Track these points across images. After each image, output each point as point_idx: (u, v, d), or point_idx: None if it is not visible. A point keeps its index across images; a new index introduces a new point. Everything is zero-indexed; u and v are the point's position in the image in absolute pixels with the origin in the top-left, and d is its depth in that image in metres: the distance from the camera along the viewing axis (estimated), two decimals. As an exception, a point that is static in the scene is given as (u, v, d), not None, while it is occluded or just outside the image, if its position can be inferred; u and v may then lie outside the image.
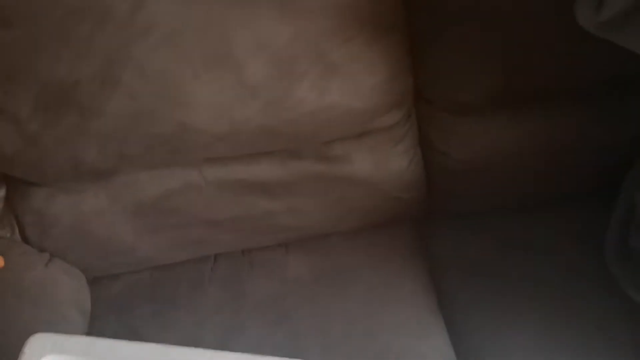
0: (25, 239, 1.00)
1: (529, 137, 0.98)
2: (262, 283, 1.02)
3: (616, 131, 0.99)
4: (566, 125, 0.98)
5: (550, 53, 0.89)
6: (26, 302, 0.95)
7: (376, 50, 0.86)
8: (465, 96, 0.94)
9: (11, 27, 0.78)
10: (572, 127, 0.98)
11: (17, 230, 0.99)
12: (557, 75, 0.92)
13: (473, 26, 0.87)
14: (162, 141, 0.87)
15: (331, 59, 0.84)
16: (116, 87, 0.81)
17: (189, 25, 0.79)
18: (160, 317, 0.99)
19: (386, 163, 1.01)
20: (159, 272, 1.07)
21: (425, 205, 1.09)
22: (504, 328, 0.96)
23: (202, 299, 1.02)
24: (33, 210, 0.97)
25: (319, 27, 0.82)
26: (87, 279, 1.05)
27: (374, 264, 1.06)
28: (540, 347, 0.92)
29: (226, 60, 0.82)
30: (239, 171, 0.98)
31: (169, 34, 0.79)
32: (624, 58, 0.74)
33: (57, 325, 0.93)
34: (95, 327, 1.00)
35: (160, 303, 1.02)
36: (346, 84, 0.87)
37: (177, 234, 1.02)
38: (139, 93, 0.82)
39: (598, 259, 0.95)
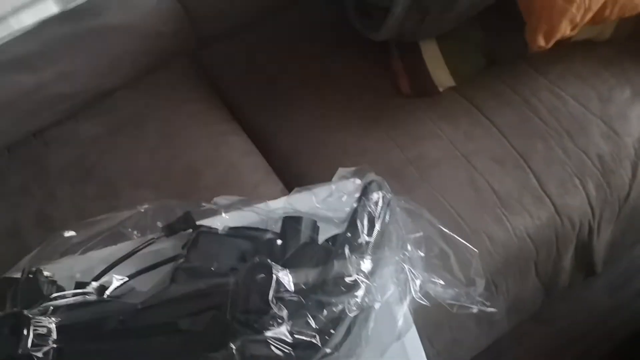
0: None
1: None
2: (60, 153, 1.05)
3: None
4: None
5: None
6: None
7: None
8: None
9: None
10: None
11: None
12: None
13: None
14: None
15: None
16: None
17: None
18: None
19: (132, 2, 1.04)
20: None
21: (191, 35, 1.14)
22: (289, 115, 1.07)
23: (6, 187, 1.03)
24: None
25: None
26: None
27: (164, 102, 1.11)
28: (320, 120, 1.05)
29: None
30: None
31: None
32: None
33: None
34: None
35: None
36: None
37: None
38: None
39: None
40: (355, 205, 0.60)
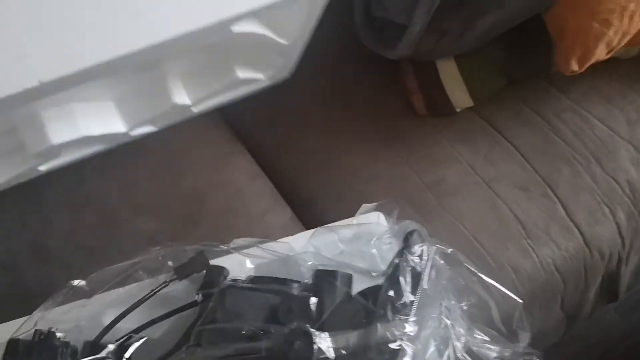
0: None
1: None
2: (57, 177, 0.98)
3: None
4: None
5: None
6: None
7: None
8: None
9: None
10: None
11: None
12: None
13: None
14: None
15: None
16: None
17: None
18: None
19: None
20: None
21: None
22: (295, 135, 1.02)
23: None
24: None
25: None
26: None
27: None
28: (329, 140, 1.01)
29: None
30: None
31: None
32: None
33: None
34: None
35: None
36: None
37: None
38: None
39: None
40: (396, 260, 0.55)
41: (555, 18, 0.86)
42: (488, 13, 0.83)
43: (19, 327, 0.60)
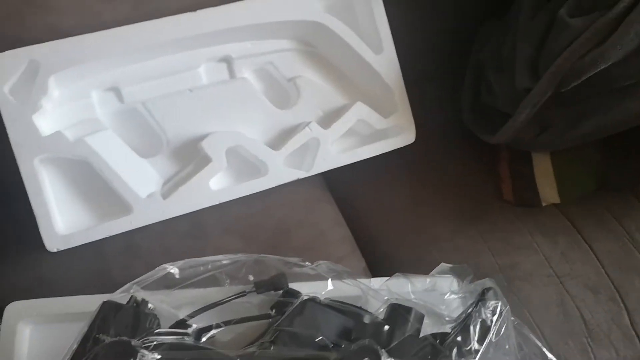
0: None
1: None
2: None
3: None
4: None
5: None
6: None
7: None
8: None
9: None
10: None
11: None
12: None
13: None
14: None
15: None
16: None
17: None
18: None
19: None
20: None
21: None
22: (382, 194, 1.08)
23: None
24: None
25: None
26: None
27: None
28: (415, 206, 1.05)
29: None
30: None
31: None
32: None
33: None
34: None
35: None
36: None
37: None
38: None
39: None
40: (469, 310, 0.59)
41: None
42: (593, 117, 0.87)
43: (115, 293, 0.66)
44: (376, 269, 1.01)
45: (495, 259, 0.96)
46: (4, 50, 0.83)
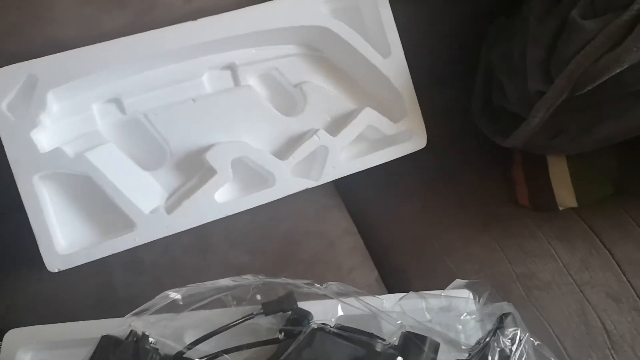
0: None
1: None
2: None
3: None
4: None
5: None
6: None
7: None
8: None
9: None
10: None
11: None
12: None
13: None
14: None
15: None
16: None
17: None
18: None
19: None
20: None
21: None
22: (395, 202, 1.05)
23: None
24: None
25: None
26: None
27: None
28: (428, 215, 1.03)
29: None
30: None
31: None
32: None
33: None
34: None
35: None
36: None
37: None
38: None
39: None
40: (487, 338, 0.56)
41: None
42: (607, 121, 0.84)
43: (114, 325, 0.64)
44: (388, 279, 0.98)
45: (511, 267, 0.93)
46: (2, 66, 0.80)
